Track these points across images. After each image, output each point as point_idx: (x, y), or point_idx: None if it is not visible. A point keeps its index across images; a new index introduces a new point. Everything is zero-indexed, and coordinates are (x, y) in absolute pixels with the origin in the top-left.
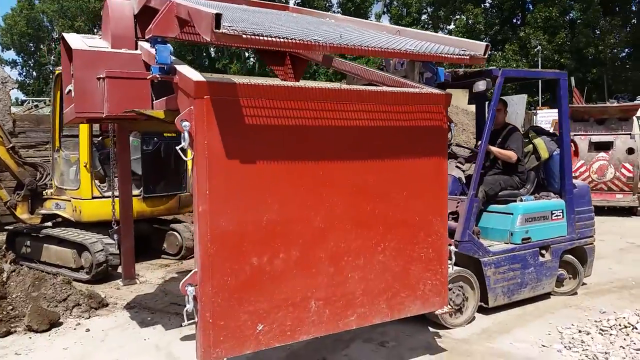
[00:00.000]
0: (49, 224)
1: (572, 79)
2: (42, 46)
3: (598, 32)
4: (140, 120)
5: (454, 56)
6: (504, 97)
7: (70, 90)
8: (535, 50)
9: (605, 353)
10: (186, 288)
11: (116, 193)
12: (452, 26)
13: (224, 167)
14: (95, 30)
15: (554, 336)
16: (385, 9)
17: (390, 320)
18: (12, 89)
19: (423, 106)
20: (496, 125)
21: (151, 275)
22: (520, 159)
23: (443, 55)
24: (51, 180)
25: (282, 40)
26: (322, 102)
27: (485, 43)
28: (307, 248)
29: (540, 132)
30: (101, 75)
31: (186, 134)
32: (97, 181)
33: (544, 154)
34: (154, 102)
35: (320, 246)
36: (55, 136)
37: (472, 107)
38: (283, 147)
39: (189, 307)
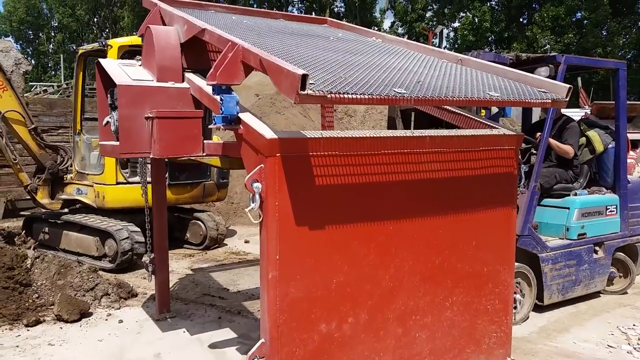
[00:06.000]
0: (66, 210)
1: (579, 79)
2: (40, 34)
3: (606, 33)
4: None
5: (538, 101)
6: None
7: (108, 122)
8: (544, 49)
9: None
10: None
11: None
12: (456, 24)
13: (294, 230)
14: (96, 19)
15: (618, 336)
16: (390, 5)
17: None
18: (27, 70)
19: (496, 150)
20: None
21: (177, 265)
22: (575, 153)
23: (528, 101)
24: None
25: (367, 97)
26: (395, 152)
27: (568, 85)
28: (376, 309)
29: (592, 124)
30: (150, 115)
31: (257, 196)
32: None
33: (599, 147)
34: (204, 141)
35: (389, 306)
36: (77, 119)
37: None
38: (354, 203)
39: None
